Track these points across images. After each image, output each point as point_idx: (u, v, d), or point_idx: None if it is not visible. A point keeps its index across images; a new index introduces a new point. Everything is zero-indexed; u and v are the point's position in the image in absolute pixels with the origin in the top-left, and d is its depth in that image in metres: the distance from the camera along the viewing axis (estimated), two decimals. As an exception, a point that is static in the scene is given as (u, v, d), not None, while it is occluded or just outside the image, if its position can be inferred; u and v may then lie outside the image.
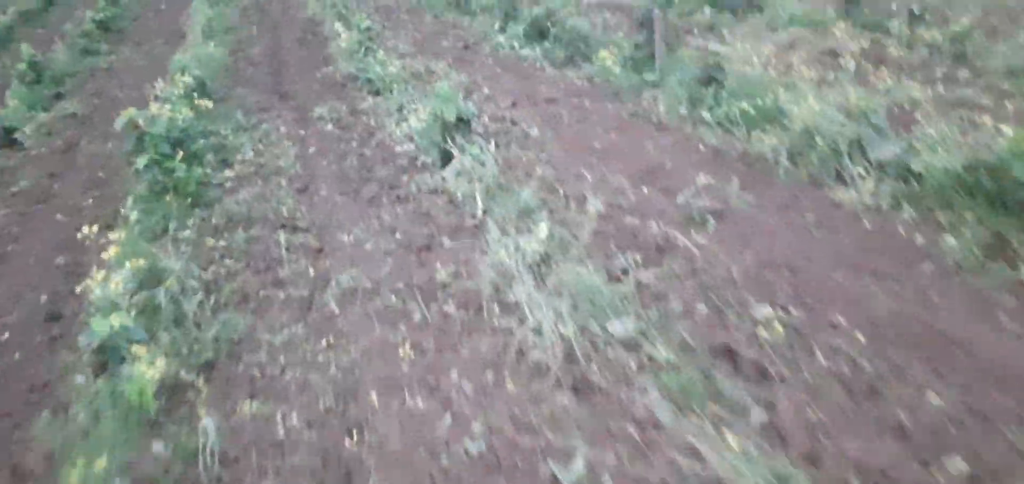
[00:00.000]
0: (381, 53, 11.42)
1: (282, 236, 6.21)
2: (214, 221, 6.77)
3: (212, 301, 5.30)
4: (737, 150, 6.89)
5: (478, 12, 14.98)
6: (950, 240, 5.04)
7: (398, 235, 6.19)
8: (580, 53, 10.95)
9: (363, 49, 11.77)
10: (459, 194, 6.79)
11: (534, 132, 7.99)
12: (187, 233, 6.45)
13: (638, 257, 5.21)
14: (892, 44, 9.35)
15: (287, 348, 4.77)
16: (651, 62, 9.28)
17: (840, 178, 6.03)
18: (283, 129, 9.48)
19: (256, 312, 5.18)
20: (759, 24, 11.74)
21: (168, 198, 6.86)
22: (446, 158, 7.68)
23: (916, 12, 9.49)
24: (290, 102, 10.89)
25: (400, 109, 9.73)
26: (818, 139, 6.15)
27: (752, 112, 7.14)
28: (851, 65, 8.79)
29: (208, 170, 8.01)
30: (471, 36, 13.69)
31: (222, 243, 6.29)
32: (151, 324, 4.76)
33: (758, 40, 10.38)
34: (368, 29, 11.89)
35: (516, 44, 12.29)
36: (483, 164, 7.10)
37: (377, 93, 10.70)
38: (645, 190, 6.31)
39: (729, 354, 4.12)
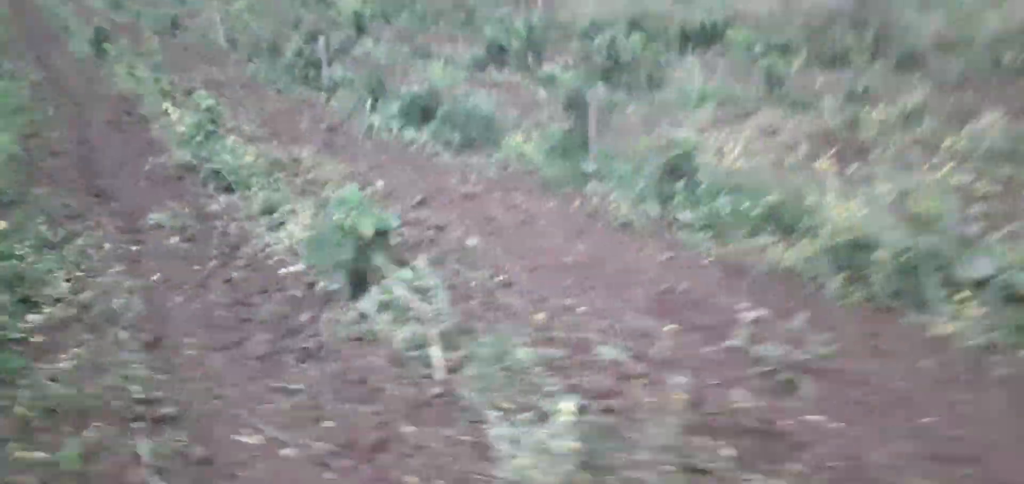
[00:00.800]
0: (231, 139, 9.13)
1: (143, 443, 3.90)
2: (20, 411, 4.30)
3: None
4: (759, 265, 5.38)
5: (335, 88, 12.94)
6: None
7: (329, 424, 4.08)
8: (483, 137, 9.25)
9: (203, 133, 9.41)
10: (398, 341, 4.79)
11: (472, 242, 6.12)
12: (-25, 443, 3.96)
13: (730, 451, 3.47)
14: (836, 126, 8.42)
15: None
16: (583, 150, 7.74)
17: (916, 300, 4.66)
18: (107, 246, 6.98)
19: None
20: (667, 104, 10.63)
21: (-63, 381, 4.32)
22: (358, 284, 5.65)
23: (859, 91, 8.66)
24: (111, 204, 8.32)
25: (269, 211, 7.54)
26: (882, 252, 4.76)
27: (755, 213, 5.72)
28: (802, 150, 7.72)
29: (2, 317, 5.47)
30: (332, 116, 11.63)
31: (40, 456, 3.88)
32: None
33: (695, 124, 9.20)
34: (209, 108, 9.56)
35: (395, 126, 10.40)
36: (427, 294, 5.14)
37: (229, 190, 8.41)
38: (673, 327, 4.61)
39: None
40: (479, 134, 9.26)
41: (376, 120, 10.67)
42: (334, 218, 5.69)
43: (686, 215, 6.10)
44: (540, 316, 4.74)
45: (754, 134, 7.98)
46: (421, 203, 7.37)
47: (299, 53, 13.77)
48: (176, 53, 17.84)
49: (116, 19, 25.34)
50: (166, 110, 10.59)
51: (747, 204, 5.79)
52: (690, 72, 11.14)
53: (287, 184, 8.32)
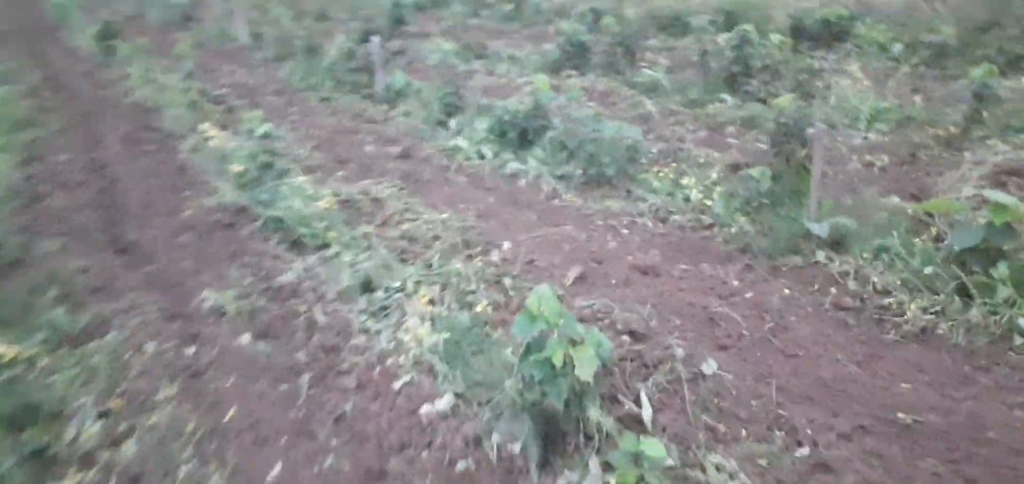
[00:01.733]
0: (299, 179, 7.07)
1: None
2: None
3: None
4: None
5: (395, 98, 10.87)
6: None
7: None
8: (616, 171, 7.21)
9: (258, 165, 7.36)
10: None
11: (710, 367, 4.08)
12: None
13: None
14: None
15: None
16: (794, 201, 5.71)
17: None
18: (150, 346, 4.98)
19: None
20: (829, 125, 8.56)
21: None
22: (549, 443, 3.65)
23: None
24: (146, 268, 6.31)
25: (367, 287, 5.54)
26: None
27: None
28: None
29: (3, 502, 3.53)
30: (399, 134, 9.56)
31: None
32: None
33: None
34: (267, 135, 7.50)
35: (487, 151, 8.35)
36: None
37: (300, 245, 6.40)
38: None
39: None
40: (611, 167, 7.23)
41: (461, 143, 8.62)
42: (528, 340, 3.68)
43: (1038, 327, 4.09)
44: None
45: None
46: (580, 280, 5.34)
47: (349, 55, 11.67)
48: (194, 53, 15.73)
49: (121, 9, 23.23)
50: (202, 130, 8.51)
51: None
52: (852, 80, 9.05)
53: (378, 240, 6.29)
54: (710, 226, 6.15)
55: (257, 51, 15.81)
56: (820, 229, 5.29)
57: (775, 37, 9.57)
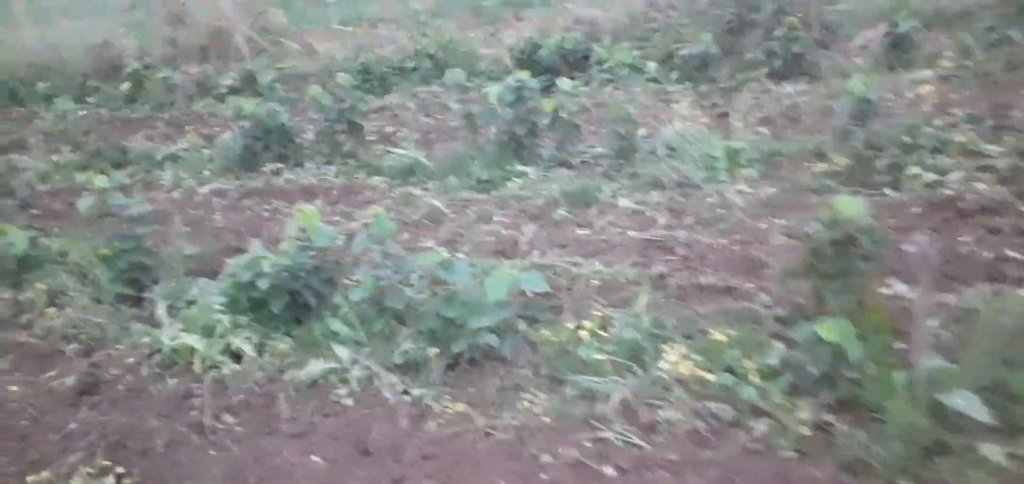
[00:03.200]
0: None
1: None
2: None
3: None
4: None
5: (20, 275, 6.67)
6: None
7: None
8: (512, 348, 4.48)
9: None
10: None
11: None
12: None
13: None
14: None
15: None
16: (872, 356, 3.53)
17: None
18: None
19: None
20: (642, 183, 6.71)
21: None
22: None
23: None
24: None
25: None
26: None
27: None
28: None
29: None
30: (55, 342, 5.57)
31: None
32: None
33: None
34: None
35: (246, 346, 5.00)
36: None
37: None
38: None
39: None
40: (504, 341, 4.49)
41: (195, 341, 5.12)
42: None
43: None
44: None
45: None
46: None
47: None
48: None
49: None
50: None
51: None
52: (681, 119, 7.20)
53: None
54: (735, 424, 3.73)
55: None
56: (975, 407, 3.18)
57: (565, 83, 7.53)
